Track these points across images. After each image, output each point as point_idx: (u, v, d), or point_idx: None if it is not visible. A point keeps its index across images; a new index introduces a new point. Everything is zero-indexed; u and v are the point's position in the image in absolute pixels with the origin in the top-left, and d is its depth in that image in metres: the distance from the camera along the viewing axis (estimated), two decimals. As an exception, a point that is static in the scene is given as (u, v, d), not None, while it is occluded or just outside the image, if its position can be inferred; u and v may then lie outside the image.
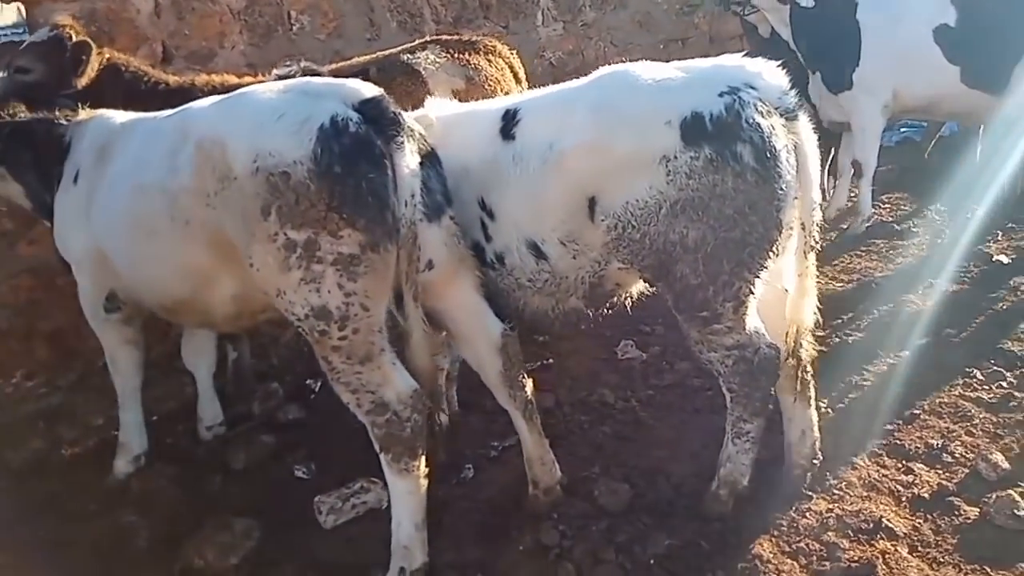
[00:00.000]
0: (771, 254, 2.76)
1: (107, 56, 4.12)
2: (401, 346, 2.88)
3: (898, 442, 3.70)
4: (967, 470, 3.47)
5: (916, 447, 3.66)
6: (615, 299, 3.25)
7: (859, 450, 3.65)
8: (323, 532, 3.44)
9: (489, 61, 4.36)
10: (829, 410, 4.01)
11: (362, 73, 3.82)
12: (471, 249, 3.08)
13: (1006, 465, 3.41)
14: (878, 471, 3.51)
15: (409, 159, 2.65)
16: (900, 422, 3.85)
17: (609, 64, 6.87)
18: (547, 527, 3.22)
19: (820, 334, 4.77)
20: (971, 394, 4.04)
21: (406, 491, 2.86)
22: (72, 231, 3.43)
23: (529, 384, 3.19)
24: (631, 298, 3.33)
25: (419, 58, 4.17)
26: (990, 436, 3.70)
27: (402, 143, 2.64)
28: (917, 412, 3.91)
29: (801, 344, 3.13)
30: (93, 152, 3.38)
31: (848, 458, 3.59)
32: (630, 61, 6.69)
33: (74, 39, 3.89)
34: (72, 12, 4.33)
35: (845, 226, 6.78)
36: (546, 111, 2.96)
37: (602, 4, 6.84)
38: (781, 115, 2.72)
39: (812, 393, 3.27)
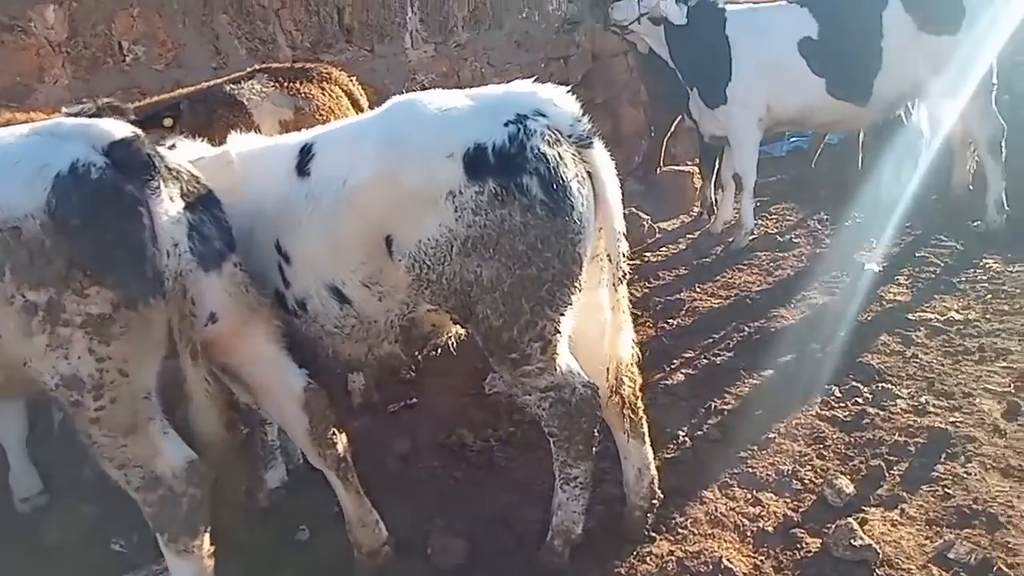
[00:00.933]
0: (572, 289, 2.59)
1: None
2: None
3: (750, 470, 3.59)
4: (814, 497, 3.37)
5: (767, 475, 3.55)
6: (436, 341, 3.03)
7: (710, 482, 3.53)
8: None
9: (323, 89, 4.13)
10: (687, 439, 3.90)
11: (173, 108, 3.53)
12: (272, 296, 2.84)
13: (851, 490, 3.33)
14: (726, 504, 3.38)
15: (168, 205, 2.39)
16: (755, 448, 3.74)
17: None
18: (373, 597, 2.97)
19: (689, 355, 4.75)
20: (827, 413, 3.98)
21: (188, 573, 2.56)
22: None
23: (341, 441, 2.94)
24: (455, 339, 3.12)
25: (243, 88, 3.91)
26: (840, 458, 3.63)
27: (157, 188, 2.37)
28: (772, 436, 3.81)
29: (623, 380, 2.97)
30: None
31: (698, 491, 3.46)
32: (507, 81, 6.58)
33: None
34: None
35: (731, 240, 6.76)
36: (338, 145, 2.75)
37: (476, 24, 6.69)
38: (574, 143, 2.57)
39: (644, 429, 3.11)
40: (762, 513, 3.31)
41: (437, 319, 2.85)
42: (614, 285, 2.70)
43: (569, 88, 2.74)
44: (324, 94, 4.08)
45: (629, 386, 2.98)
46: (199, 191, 2.58)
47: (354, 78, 4.51)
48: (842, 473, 3.48)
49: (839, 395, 4.10)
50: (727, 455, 3.71)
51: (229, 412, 2.67)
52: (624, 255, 2.70)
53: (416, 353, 3.06)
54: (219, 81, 4.03)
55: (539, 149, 2.44)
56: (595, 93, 7.84)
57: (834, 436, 3.78)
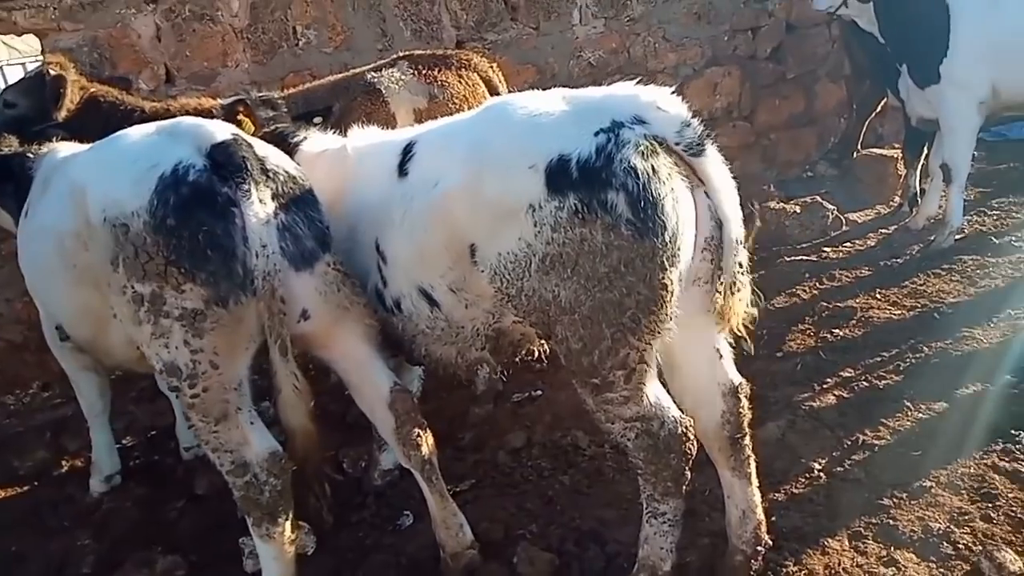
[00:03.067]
0: (661, 317, 2.33)
1: (91, 89, 4.23)
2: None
3: (891, 522, 3.10)
4: (967, 567, 2.84)
5: (912, 531, 3.05)
6: (525, 351, 2.91)
7: (839, 529, 3.10)
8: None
9: (460, 77, 4.08)
10: (822, 475, 3.46)
11: (325, 110, 3.68)
12: (368, 295, 2.87)
13: (1016, 567, 2.76)
14: (853, 558, 2.95)
15: (258, 207, 2.46)
16: (903, 496, 3.23)
17: (661, 63, 6.47)
18: (451, 597, 2.97)
19: (847, 374, 4.22)
20: (1007, 465, 3.33)
21: (270, 556, 2.71)
22: (22, 264, 3.53)
23: (427, 442, 2.93)
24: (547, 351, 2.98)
25: (382, 76, 3.96)
26: (1012, 524, 3.02)
27: (248, 191, 2.45)
28: (928, 484, 3.27)
29: (736, 412, 2.66)
30: (39, 187, 3.45)
31: (822, 538, 3.06)
32: (686, 57, 6.19)
33: (51, 74, 4.02)
34: (76, 41, 4.47)
35: (932, 238, 5.90)
36: (434, 147, 2.68)
37: (652, -4, 6.30)
38: (685, 150, 2.29)
39: (751, 469, 2.78)
40: (895, 577, 2.86)
41: (525, 330, 2.72)
42: (722, 295, 2.40)
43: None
44: (461, 82, 4.04)
45: (742, 416, 2.66)
46: (295, 192, 2.64)
47: (494, 65, 4.41)
48: (1009, 544, 2.90)
49: (1027, 445, 3.43)
50: (867, 500, 3.24)
51: (314, 407, 2.75)
52: (740, 264, 2.39)
53: (507, 360, 2.95)
54: (363, 69, 4.12)
55: (629, 162, 2.20)
56: (787, 67, 7.12)
57: (1009, 495, 3.16)
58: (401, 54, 4.31)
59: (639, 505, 3.31)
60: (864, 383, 4.12)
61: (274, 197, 2.56)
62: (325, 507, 3.06)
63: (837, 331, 4.76)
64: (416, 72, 4.02)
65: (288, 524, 2.69)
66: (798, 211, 6.50)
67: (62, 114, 4.10)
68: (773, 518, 3.16)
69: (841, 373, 4.25)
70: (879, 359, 4.35)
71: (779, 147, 7.41)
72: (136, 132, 2.70)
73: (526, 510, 3.50)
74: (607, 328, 2.32)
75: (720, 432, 2.68)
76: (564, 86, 6.18)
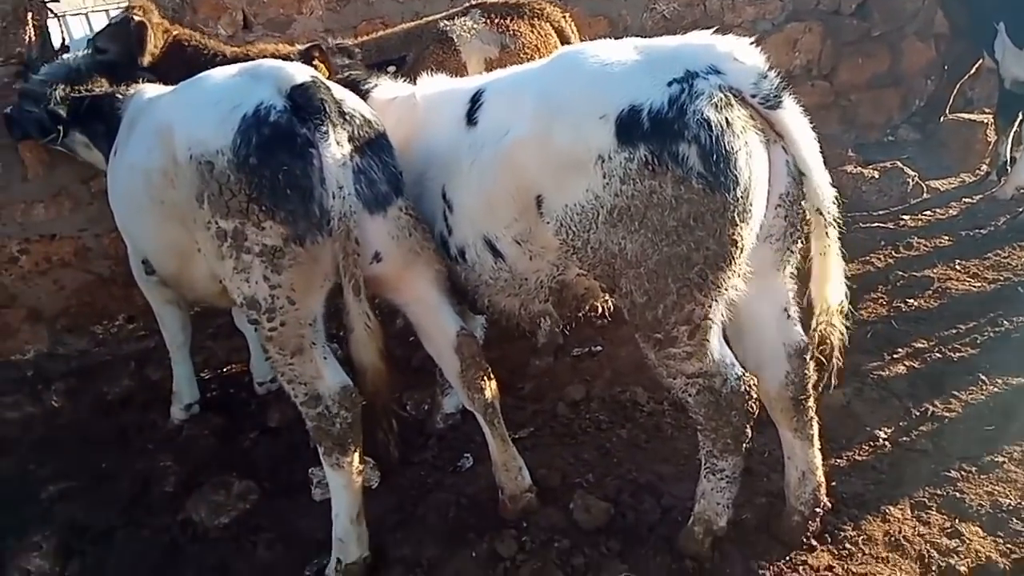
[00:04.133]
0: (729, 274, 2.32)
1: (174, 33, 4.36)
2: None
3: (958, 494, 3.06)
4: (1035, 544, 2.79)
5: (979, 504, 3.00)
6: (591, 305, 2.93)
7: (902, 497, 3.07)
8: (311, 505, 3.53)
9: (532, 26, 4.03)
10: (888, 443, 3.41)
11: (400, 59, 3.71)
12: (437, 241, 2.93)
13: (1088, 548, 2.69)
14: (915, 528, 2.93)
15: (335, 149, 2.52)
16: (973, 470, 3.17)
17: (738, 16, 6.25)
18: (508, 536, 3.05)
19: (920, 345, 4.10)
20: (1086, 446, 3.21)
21: (340, 485, 2.84)
22: (111, 200, 3.71)
23: (491, 386, 3.00)
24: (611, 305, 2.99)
25: (455, 25, 3.95)
26: (1087, 505, 2.93)
27: (326, 132, 2.51)
28: (1001, 460, 3.19)
29: (801, 373, 2.64)
30: (126, 127, 3.60)
31: (883, 505, 3.03)
32: (765, 11, 5.96)
33: (134, 20, 4.15)
34: (158, -15, 4.59)
35: (1021, 210, 5.62)
36: (504, 96, 2.68)
37: (731, -54, 6.06)
38: (761, 102, 2.24)
39: (813, 430, 2.76)
40: (959, 548, 2.82)
41: (589, 284, 2.74)
42: (822, 252, 2.38)
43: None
44: (533, 31, 4.00)
45: (796, 381, 2.64)
46: (370, 136, 2.69)
47: (567, 14, 4.34)
48: (1081, 525, 2.83)
49: (1110, 427, 3.29)
50: (932, 472, 3.19)
51: (385, 345, 2.83)
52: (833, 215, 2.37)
53: (570, 314, 2.98)
54: (436, 17, 4.11)
55: (702, 114, 2.16)
56: (873, 24, 6.78)
57: (1086, 477, 3.06)
58: (474, 2, 4.29)
59: (696, 462, 3.33)
60: (937, 355, 4.00)
61: (350, 140, 2.61)
62: (392, 443, 3.17)
63: (912, 301, 4.62)
64: (488, 20, 4.00)
65: (357, 455, 2.81)
66: (876, 176, 6.26)
67: (147, 59, 4.24)
68: (834, 483, 3.14)
69: (914, 344, 4.13)
70: (955, 331, 4.21)
71: (860, 108, 7.11)
72: (219, 73, 2.79)
73: (583, 460, 3.56)
74: (673, 283, 2.32)
75: (783, 392, 2.67)
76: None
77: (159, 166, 2.83)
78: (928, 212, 6.02)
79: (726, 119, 2.17)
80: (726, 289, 2.35)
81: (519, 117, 2.52)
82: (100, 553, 3.39)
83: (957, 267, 4.99)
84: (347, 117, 2.64)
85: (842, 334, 2.66)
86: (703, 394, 2.51)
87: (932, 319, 4.38)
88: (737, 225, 2.23)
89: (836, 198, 2.46)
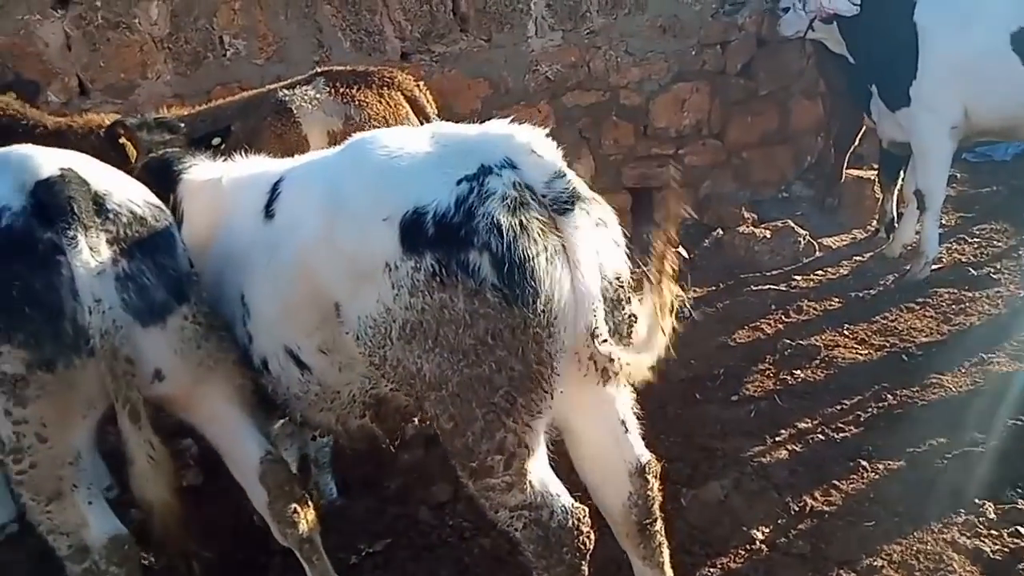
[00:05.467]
0: (541, 395, 2.00)
1: (-10, 101, 3.92)
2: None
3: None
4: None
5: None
6: (417, 422, 2.58)
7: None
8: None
9: (381, 96, 3.76)
10: (764, 547, 3.12)
11: (224, 130, 3.35)
12: (236, 350, 2.54)
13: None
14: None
15: (87, 256, 2.12)
16: (850, 576, 2.90)
17: (624, 78, 6.13)
18: None
19: (803, 425, 3.88)
20: (967, 541, 2.98)
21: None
22: None
23: (306, 518, 2.59)
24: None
25: (295, 95, 3.65)
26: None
27: (74, 237, 2.11)
28: (879, 564, 2.93)
29: (644, 494, 2.33)
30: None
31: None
32: (651, 72, 5.81)
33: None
34: (-24, 50, 4.15)
35: (907, 268, 5.57)
36: (297, 186, 2.35)
37: (612, 8, 5.93)
38: (551, 203, 1.95)
39: (664, 555, 2.44)
40: None
41: (408, 400, 2.38)
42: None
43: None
44: (381, 101, 3.72)
45: (639, 504, 2.33)
46: (142, 235, 2.30)
47: (421, 84, 4.09)
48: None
49: (992, 517, 3.08)
50: (811, 571, 2.91)
51: (175, 477, 2.41)
52: (614, 358, 2.02)
53: (395, 427, 2.62)
54: (277, 85, 3.79)
55: (492, 217, 1.86)
56: (759, 83, 6.78)
57: (967, 579, 2.83)
58: (320, 70, 3.99)
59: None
60: (820, 436, 3.78)
61: (113, 242, 2.22)
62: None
63: (798, 372, 4.43)
64: (333, 90, 3.70)
65: (134, 618, 2.36)
66: (768, 236, 6.18)
67: (-51, 132, 3.77)
68: (703, 599, 2.84)
69: (797, 423, 3.91)
70: (839, 408, 4.01)
71: (752, 166, 7.08)
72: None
73: (435, 580, 3.17)
74: (478, 408, 1.99)
75: (628, 516, 2.35)
76: (520, 102, 5.92)
77: None
78: (820, 272, 5.93)
79: (520, 222, 1.87)
80: (540, 413, 2.03)
81: (307, 214, 2.19)
82: None
83: (845, 332, 4.85)
84: (110, 215, 2.25)
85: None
86: (530, 528, 2.16)
87: (817, 393, 4.18)
88: (542, 342, 1.92)
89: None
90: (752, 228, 6.37)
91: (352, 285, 2.07)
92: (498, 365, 1.92)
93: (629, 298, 2.18)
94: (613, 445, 2.30)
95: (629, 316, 2.17)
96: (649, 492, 2.33)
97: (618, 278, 2.09)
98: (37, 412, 2.15)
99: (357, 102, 3.69)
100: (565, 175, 1.96)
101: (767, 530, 3.18)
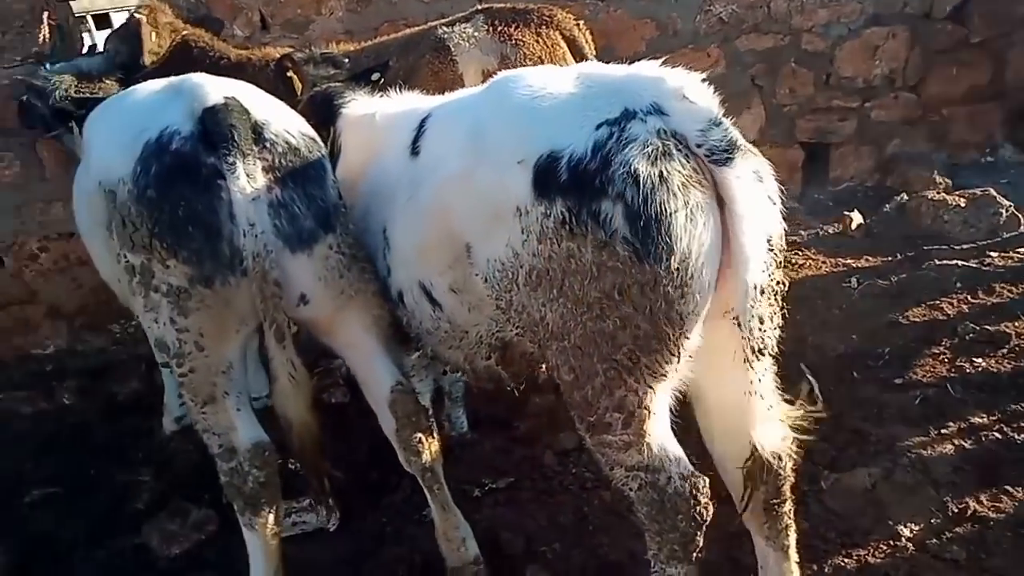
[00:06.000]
0: (667, 357, 1.89)
1: (183, 33, 4.23)
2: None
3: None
4: None
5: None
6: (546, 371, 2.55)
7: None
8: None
9: (538, 35, 3.63)
10: (910, 544, 2.86)
11: (382, 65, 3.42)
12: (378, 282, 2.62)
13: None
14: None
15: (243, 182, 2.24)
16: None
17: (808, 20, 5.62)
18: (442, 612, 2.75)
19: (978, 420, 3.47)
20: None
21: (254, 546, 2.59)
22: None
23: (430, 448, 2.68)
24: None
25: (454, 32, 3.62)
26: None
27: (234, 163, 2.24)
28: None
29: (772, 472, 2.18)
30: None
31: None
32: (841, 14, 5.29)
33: (133, 19, 4.05)
34: (170, -13, 4.48)
35: None
36: (442, 125, 2.34)
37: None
38: (707, 155, 1.80)
39: (789, 541, 2.28)
40: None
41: (531, 345, 2.36)
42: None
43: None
44: (539, 41, 3.62)
45: (770, 486, 2.18)
46: (295, 165, 2.40)
47: (581, 23, 3.92)
48: None
49: None
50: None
51: (313, 395, 2.56)
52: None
53: (522, 373, 2.61)
54: (439, 23, 3.79)
55: (630, 166, 1.75)
56: (972, 29, 5.95)
57: None
58: (480, 7, 3.94)
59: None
60: (996, 434, 3.36)
61: (269, 170, 2.34)
62: (324, 503, 2.91)
63: (979, 360, 3.94)
64: (490, 28, 3.64)
65: (272, 516, 2.56)
66: (963, 204, 5.49)
67: (149, 59, 4.13)
68: (831, 589, 2.66)
69: (970, 417, 3.49)
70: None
71: (952, 125, 6.29)
72: (145, 88, 2.58)
73: (557, 525, 3.21)
74: (599, 363, 1.92)
75: (756, 494, 2.21)
76: (688, 45, 5.60)
77: (88, 187, 2.65)
78: (1021, 249, 5.21)
79: (660, 173, 1.75)
80: (664, 375, 1.93)
81: (449, 153, 2.18)
82: (53, 573, 3.30)
83: (1045, 321, 4.25)
84: (267, 144, 2.36)
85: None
86: (645, 491, 2.10)
87: (1000, 387, 3.71)
88: (673, 302, 1.81)
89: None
90: (943, 195, 5.70)
91: (484, 226, 2.05)
92: (623, 322, 1.84)
93: (780, 263, 1.99)
94: (745, 418, 2.15)
95: (778, 283, 1.99)
96: (780, 471, 2.18)
97: (768, 240, 1.91)
98: (196, 323, 2.34)
99: (514, 41, 3.62)
100: (722, 123, 1.81)
101: (917, 528, 2.90)
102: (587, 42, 3.92)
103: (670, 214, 1.75)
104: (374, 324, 2.61)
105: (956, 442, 3.34)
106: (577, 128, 1.84)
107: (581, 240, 1.81)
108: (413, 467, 2.71)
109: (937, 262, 5.05)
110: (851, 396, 3.76)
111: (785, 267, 5.56)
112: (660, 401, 2.00)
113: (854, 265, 5.25)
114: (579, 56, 3.81)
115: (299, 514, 3.30)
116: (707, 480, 2.10)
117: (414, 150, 2.43)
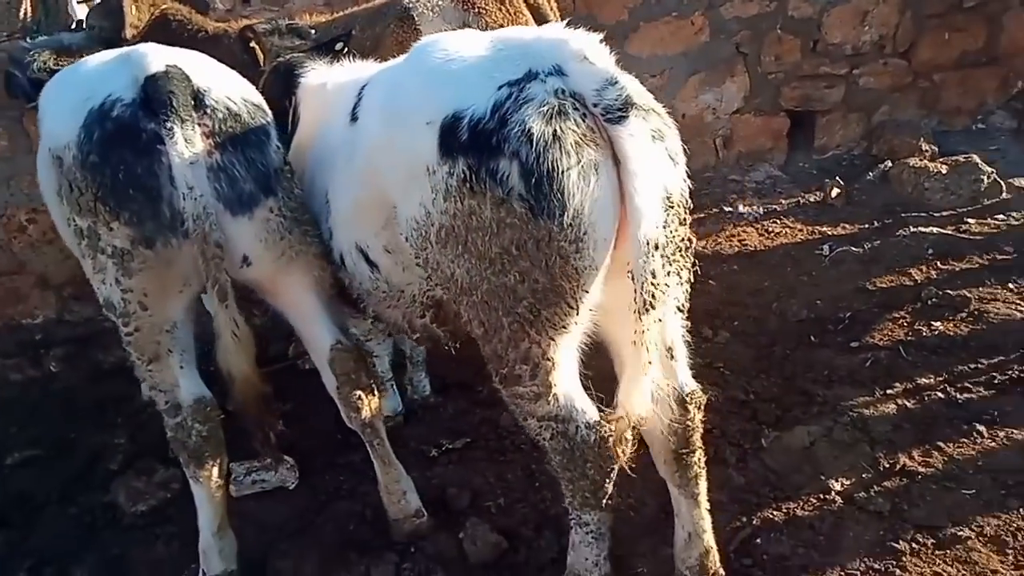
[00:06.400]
0: (566, 310, 1.98)
1: (161, 7, 4.31)
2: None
3: (899, 572, 2.59)
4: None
5: (923, 590, 2.52)
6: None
7: (833, 567, 2.65)
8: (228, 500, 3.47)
9: (501, 3, 3.68)
10: (839, 498, 2.94)
11: (345, 34, 3.49)
12: (321, 243, 2.73)
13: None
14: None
15: (181, 147, 2.34)
16: (929, 543, 2.68)
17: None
18: (387, 561, 2.89)
19: (926, 380, 3.54)
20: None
21: (200, 498, 2.74)
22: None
23: (369, 405, 2.79)
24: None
25: (419, 2, 3.67)
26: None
27: (172, 128, 2.33)
28: (966, 535, 2.69)
29: (684, 423, 2.27)
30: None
31: (806, 574, 2.62)
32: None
33: (113, -6, 4.12)
34: (149, -43, 4.55)
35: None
36: (373, 91, 2.42)
37: None
38: (602, 113, 1.87)
39: (699, 488, 2.38)
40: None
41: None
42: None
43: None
44: (501, 9, 3.66)
45: (678, 432, 2.27)
46: (236, 130, 2.49)
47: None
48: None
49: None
50: (879, 540, 2.73)
51: (255, 353, 2.67)
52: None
53: (458, 331, 2.70)
54: (407, -9, 3.84)
55: (525, 125, 1.83)
56: (965, -9, 5.89)
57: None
58: (450, -29, 3.98)
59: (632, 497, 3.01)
60: (939, 395, 3.43)
61: (209, 135, 2.43)
62: (273, 457, 3.04)
63: (937, 324, 3.99)
64: (458, -4, 3.69)
65: (216, 469, 2.70)
66: (944, 172, 5.48)
67: (130, 32, 4.21)
68: (758, 540, 2.77)
69: (918, 378, 3.56)
70: (973, 367, 3.60)
71: (944, 91, 6.23)
72: (97, 59, 2.67)
73: (504, 481, 3.32)
74: (504, 316, 2.02)
75: (665, 443, 2.31)
76: (672, 12, 5.58)
77: (43, 155, 2.76)
78: (1000, 216, 5.20)
79: (554, 132, 1.82)
80: (565, 328, 2.02)
81: (376, 117, 2.27)
82: (27, 528, 3.48)
83: (1010, 287, 4.27)
84: (207, 111, 2.45)
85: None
86: (556, 440, 2.20)
87: (953, 349, 3.76)
88: (568, 257, 1.89)
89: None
90: (926, 162, 5.69)
91: (404, 187, 2.14)
92: (522, 276, 1.93)
93: (683, 220, 2.07)
94: (656, 371, 2.23)
95: (681, 240, 2.07)
96: (689, 422, 2.27)
97: (668, 197, 1.98)
98: (140, 283, 2.45)
99: (477, 9, 3.67)
100: (618, 82, 1.87)
101: (848, 483, 2.99)
102: (552, 10, 3.96)
103: (563, 171, 1.83)
104: (315, 284, 2.72)
105: (899, 402, 3.42)
106: (480, 89, 1.91)
107: (481, 198, 1.90)
108: (353, 423, 2.83)
109: (912, 229, 5.07)
110: (805, 359, 3.83)
111: (761, 235, 5.51)
112: (565, 353, 2.10)
113: (830, 233, 5.27)
114: (543, 23, 3.84)
115: (259, 472, 3.43)
116: (613, 428, 2.19)
117: (353, 117, 2.50)
